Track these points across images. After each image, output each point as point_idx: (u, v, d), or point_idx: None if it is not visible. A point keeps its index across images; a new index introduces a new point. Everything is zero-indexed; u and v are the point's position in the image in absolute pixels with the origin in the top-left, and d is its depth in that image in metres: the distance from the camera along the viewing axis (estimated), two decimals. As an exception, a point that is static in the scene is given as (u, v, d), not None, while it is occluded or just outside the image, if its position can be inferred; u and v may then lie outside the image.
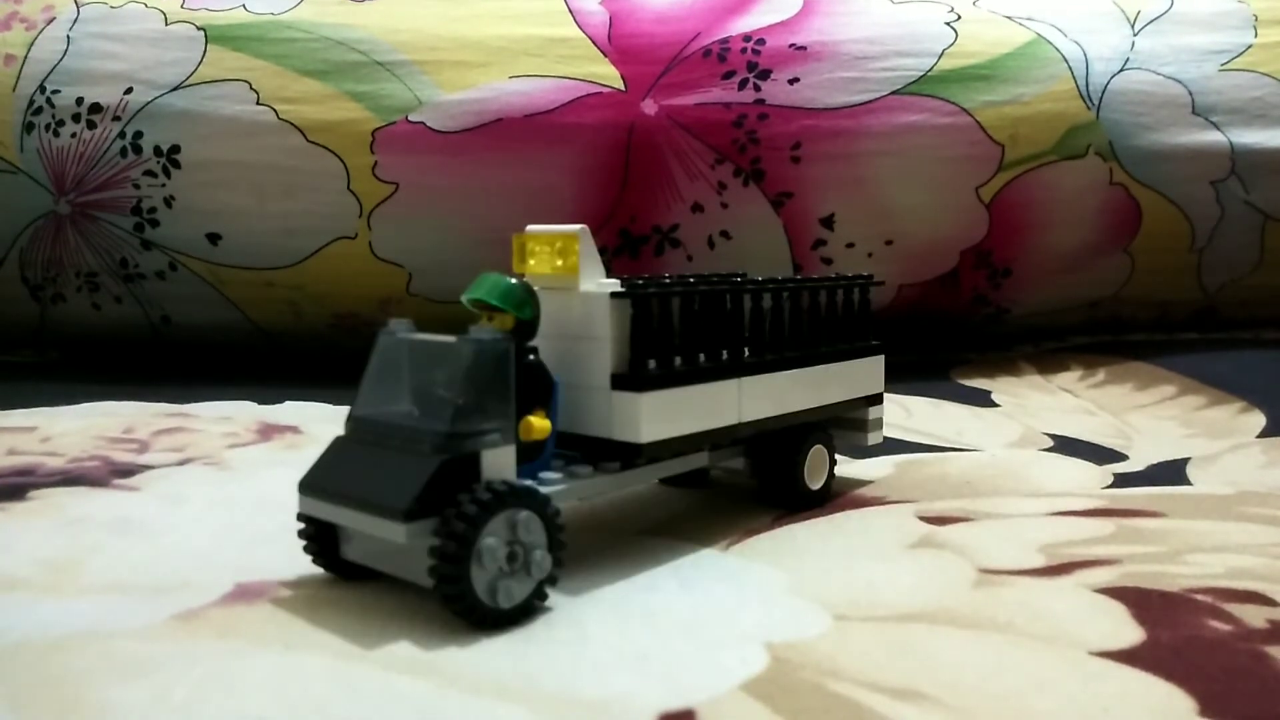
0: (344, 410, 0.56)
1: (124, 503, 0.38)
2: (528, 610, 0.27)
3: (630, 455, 0.31)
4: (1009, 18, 0.69)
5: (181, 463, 0.44)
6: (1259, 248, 0.72)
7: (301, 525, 0.30)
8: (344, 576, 0.30)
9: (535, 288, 0.31)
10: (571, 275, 0.32)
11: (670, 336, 0.32)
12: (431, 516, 0.26)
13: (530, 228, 0.33)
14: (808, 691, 0.23)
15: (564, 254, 0.32)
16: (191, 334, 0.70)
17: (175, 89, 0.64)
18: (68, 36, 0.66)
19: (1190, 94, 0.69)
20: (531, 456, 0.30)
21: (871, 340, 0.40)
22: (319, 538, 0.30)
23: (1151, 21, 0.71)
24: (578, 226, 0.32)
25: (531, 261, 0.33)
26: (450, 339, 0.29)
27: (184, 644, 0.26)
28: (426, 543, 0.26)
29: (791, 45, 0.65)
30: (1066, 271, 0.70)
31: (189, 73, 0.64)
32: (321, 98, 0.64)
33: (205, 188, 0.64)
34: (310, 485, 0.29)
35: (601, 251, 0.66)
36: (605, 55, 0.65)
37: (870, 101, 0.65)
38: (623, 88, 0.64)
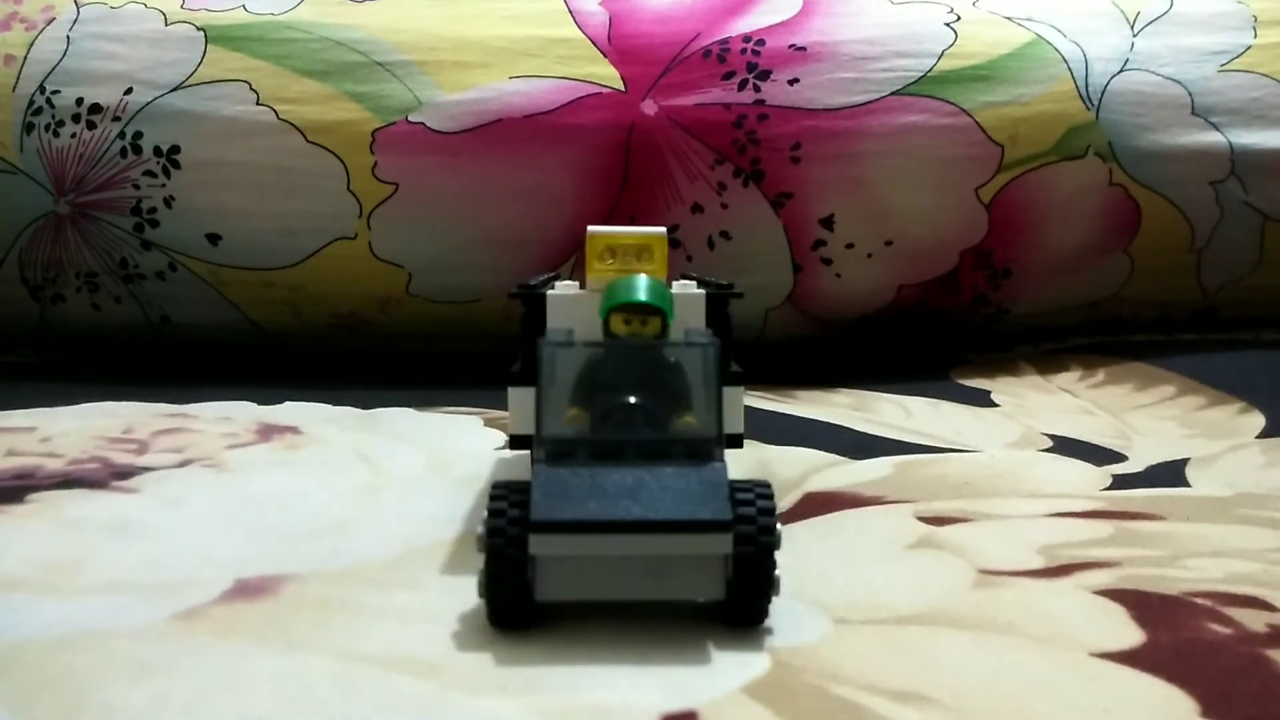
0: (344, 410, 0.56)
1: (123, 504, 0.38)
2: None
3: (735, 446, 0.31)
4: (1008, 18, 0.69)
5: (181, 463, 0.44)
6: (1259, 248, 0.72)
7: (502, 574, 0.26)
8: (521, 627, 0.27)
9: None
10: (660, 277, 0.31)
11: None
12: None
13: (602, 229, 0.32)
14: (810, 694, 0.23)
15: (649, 256, 0.32)
16: (191, 334, 0.70)
17: (175, 89, 0.64)
18: (67, 37, 0.66)
19: (1190, 95, 0.69)
20: None
21: None
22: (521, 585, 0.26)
23: (1151, 22, 0.71)
24: (660, 229, 0.32)
25: (610, 262, 0.32)
26: (666, 343, 0.29)
27: (185, 644, 0.26)
28: (706, 553, 0.26)
29: (791, 46, 0.65)
30: (1066, 272, 0.70)
31: (189, 73, 0.64)
32: (321, 98, 0.64)
33: (205, 188, 0.64)
34: (562, 524, 0.26)
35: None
36: (605, 56, 0.65)
37: (870, 102, 0.65)
38: (622, 88, 0.64)
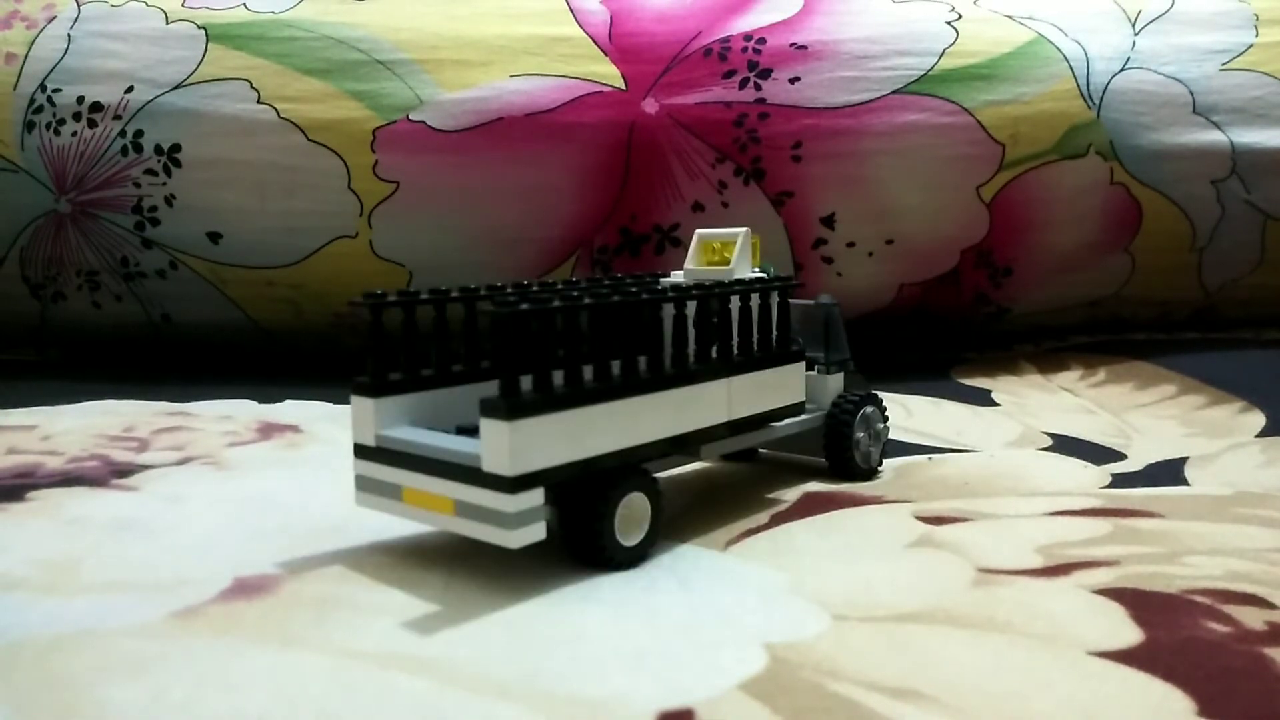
0: (345, 409, 0.56)
1: (123, 502, 0.38)
2: None
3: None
4: (1010, 17, 0.69)
5: (181, 462, 0.44)
6: (1259, 247, 0.72)
7: None
8: None
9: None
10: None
11: None
12: None
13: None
14: (806, 691, 0.23)
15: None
16: (192, 333, 0.70)
17: (176, 88, 0.64)
18: (68, 35, 0.66)
19: (1191, 93, 0.68)
20: None
21: None
22: None
23: (1152, 21, 0.71)
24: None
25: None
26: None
27: (183, 642, 0.26)
28: None
29: (792, 44, 0.65)
30: (1067, 271, 0.70)
31: (190, 71, 0.64)
32: (322, 96, 0.64)
33: (206, 186, 0.64)
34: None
35: (602, 250, 0.66)
36: (606, 54, 0.65)
37: (871, 101, 0.65)
38: (623, 87, 0.64)
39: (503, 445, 0.28)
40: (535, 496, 0.29)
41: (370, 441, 0.32)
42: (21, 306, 0.70)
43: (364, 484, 0.32)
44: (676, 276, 0.43)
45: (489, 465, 0.28)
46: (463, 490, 0.29)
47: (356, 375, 0.32)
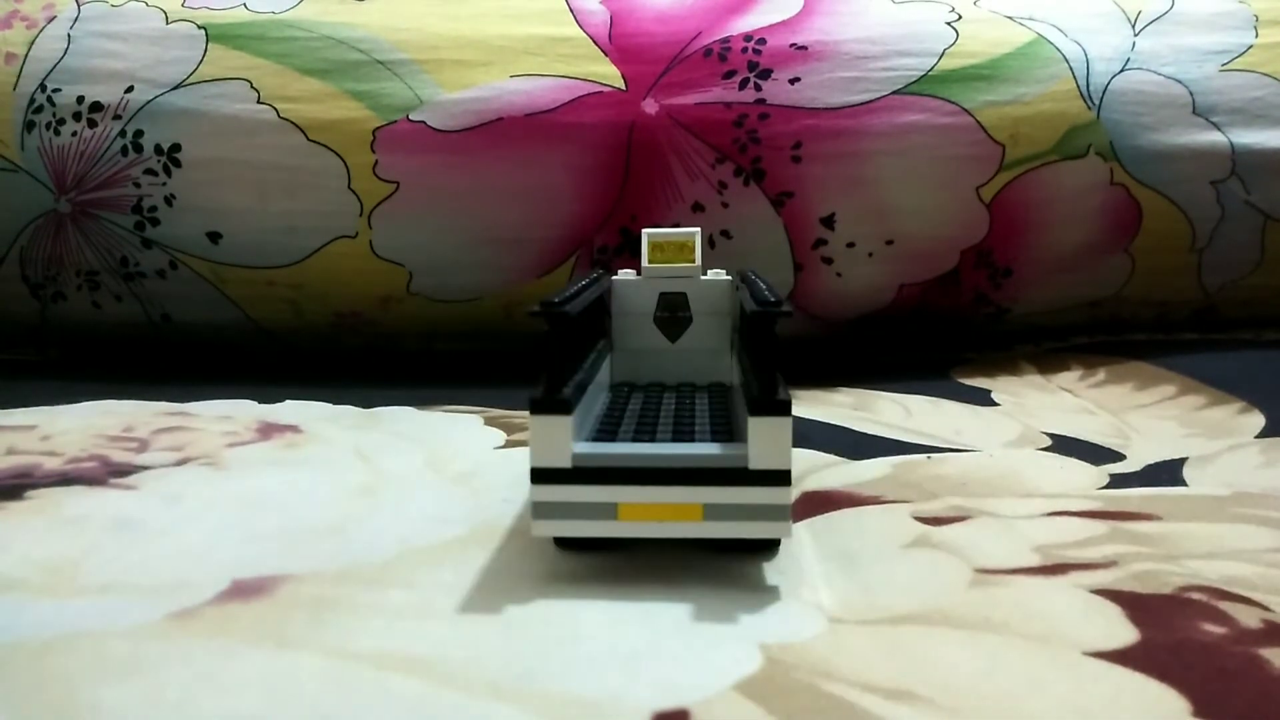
0: (345, 409, 0.56)
1: (122, 502, 0.38)
2: None
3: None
4: (1010, 18, 0.69)
5: (180, 462, 0.44)
6: (1259, 248, 0.72)
7: None
8: None
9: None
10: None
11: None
12: None
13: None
14: (801, 692, 0.23)
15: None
16: (192, 333, 0.70)
17: (176, 88, 0.64)
18: (68, 35, 0.66)
19: (1191, 94, 0.68)
20: None
21: None
22: None
23: (1152, 21, 0.71)
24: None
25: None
26: None
27: (178, 643, 0.26)
28: None
29: (792, 45, 0.65)
30: (1067, 271, 0.70)
31: (190, 71, 0.64)
32: (322, 96, 0.64)
33: (206, 186, 0.64)
34: None
35: (603, 250, 0.67)
36: (606, 55, 0.65)
37: (871, 101, 0.65)
38: (623, 87, 0.64)
39: (781, 441, 0.29)
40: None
41: (565, 463, 0.29)
42: (21, 306, 0.70)
43: (553, 510, 0.29)
44: (627, 274, 0.43)
45: (758, 463, 0.29)
46: (716, 493, 0.29)
47: (533, 394, 0.29)
